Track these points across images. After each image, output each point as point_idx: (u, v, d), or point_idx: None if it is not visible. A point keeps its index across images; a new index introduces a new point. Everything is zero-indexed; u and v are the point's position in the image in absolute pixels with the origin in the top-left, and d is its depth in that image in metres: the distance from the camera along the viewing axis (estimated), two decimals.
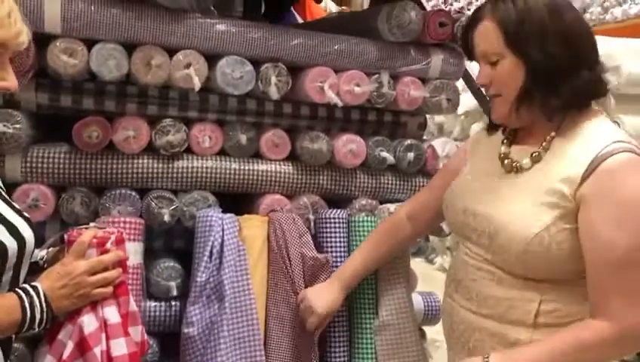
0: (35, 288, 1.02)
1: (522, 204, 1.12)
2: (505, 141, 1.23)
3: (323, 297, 1.44)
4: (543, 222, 1.08)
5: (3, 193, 1.11)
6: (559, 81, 1.10)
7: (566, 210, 1.08)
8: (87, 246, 1.08)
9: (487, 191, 1.20)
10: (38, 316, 1.01)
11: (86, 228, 1.14)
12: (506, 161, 1.20)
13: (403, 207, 1.50)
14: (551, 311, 1.12)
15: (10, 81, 0.99)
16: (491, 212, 1.16)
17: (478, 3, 5.28)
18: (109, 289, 1.10)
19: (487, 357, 1.10)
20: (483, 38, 1.15)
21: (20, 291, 1.00)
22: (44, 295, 1.02)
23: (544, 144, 1.15)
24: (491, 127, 1.29)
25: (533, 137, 1.18)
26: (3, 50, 0.97)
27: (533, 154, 1.15)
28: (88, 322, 1.07)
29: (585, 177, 1.06)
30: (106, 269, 1.10)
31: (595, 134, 1.11)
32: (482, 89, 1.25)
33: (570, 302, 1.12)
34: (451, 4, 5.33)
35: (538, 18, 1.09)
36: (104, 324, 1.09)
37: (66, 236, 1.13)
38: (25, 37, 0.99)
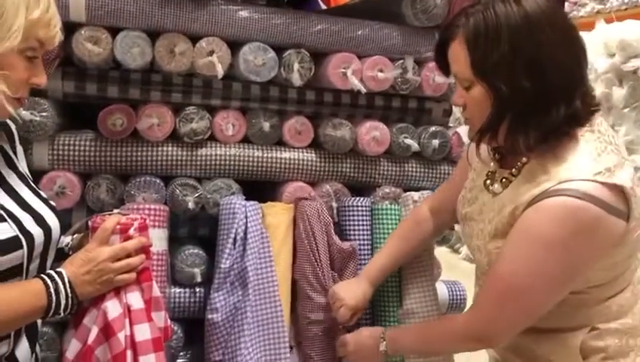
0: (59, 274, 1.03)
1: (487, 230, 1.13)
2: (495, 156, 1.18)
3: (351, 290, 1.43)
4: (499, 249, 1.08)
5: (30, 181, 1.12)
6: (528, 119, 1.01)
7: None
8: (110, 233, 1.09)
9: (473, 212, 1.20)
10: (63, 301, 1.02)
11: (109, 215, 1.15)
12: (487, 181, 1.17)
13: (426, 201, 1.48)
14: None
15: (41, 78, 1.02)
16: (471, 231, 1.19)
17: None
18: (133, 275, 1.11)
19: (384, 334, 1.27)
20: (454, 60, 1.07)
21: (45, 277, 1.02)
22: (69, 281, 1.03)
23: (514, 170, 1.10)
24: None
25: (510, 161, 1.13)
26: (39, 49, 1.00)
27: (503, 180, 1.12)
28: (112, 307, 1.08)
29: (524, 209, 1.03)
30: (129, 255, 1.10)
31: (563, 167, 1.01)
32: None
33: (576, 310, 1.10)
34: None
35: (508, 42, 0.98)
36: (128, 310, 1.10)
37: (89, 223, 1.14)
38: (58, 39, 1.03)
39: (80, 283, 1.04)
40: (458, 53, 1.05)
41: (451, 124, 1.90)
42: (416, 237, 1.46)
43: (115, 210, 1.23)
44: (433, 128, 1.71)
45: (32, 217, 1.04)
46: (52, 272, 1.03)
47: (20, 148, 1.15)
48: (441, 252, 1.84)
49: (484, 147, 1.15)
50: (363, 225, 1.61)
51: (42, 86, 1.03)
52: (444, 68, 1.12)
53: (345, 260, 1.54)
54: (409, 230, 1.47)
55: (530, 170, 1.07)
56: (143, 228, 1.14)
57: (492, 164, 1.17)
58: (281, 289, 1.50)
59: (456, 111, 1.92)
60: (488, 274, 1.10)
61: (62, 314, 1.03)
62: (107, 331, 1.07)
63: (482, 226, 1.15)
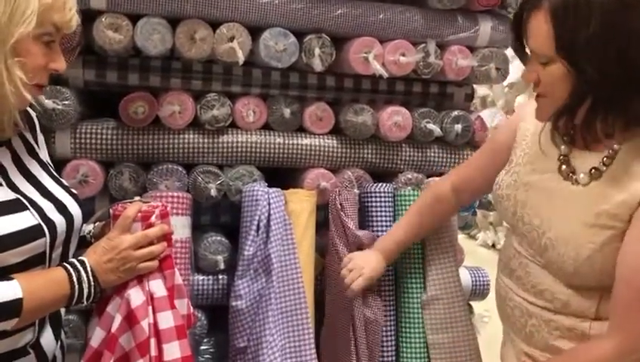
0: (82, 262, 1.04)
1: (574, 222, 1.05)
2: (565, 138, 1.10)
3: (371, 261, 1.43)
4: (596, 244, 1.02)
5: (51, 170, 1.12)
6: (611, 105, 0.97)
7: (620, 231, 1.01)
8: (132, 221, 1.09)
9: (538, 197, 1.12)
10: (86, 290, 1.02)
11: (131, 203, 1.15)
12: (564, 167, 1.09)
13: (447, 179, 1.44)
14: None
15: (60, 63, 1.01)
16: (541, 226, 1.10)
17: None
18: (155, 263, 1.10)
19: None
20: (534, 33, 1.01)
21: (67, 266, 1.02)
22: (92, 269, 1.03)
23: (605, 160, 1.04)
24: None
25: (595, 141, 1.06)
26: (55, 33, 0.99)
27: (592, 171, 1.05)
28: (135, 295, 1.08)
29: None
30: (151, 243, 1.10)
31: None
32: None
33: None
34: None
35: (601, 23, 0.93)
36: (151, 298, 1.10)
37: (111, 211, 1.14)
38: (75, 22, 1.01)
39: (103, 271, 1.04)
40: (540, 27, 0.99)
41: (472, 109, 1.88)
42: (435, 215, 1.45)
43: (137, 198, 1.22)
44: (455, 113, 1.69)
45: (54, 205, 1.04)
46: (75, 261, 1.04)
47: (41, 137, 1.15)
48: (458, 239, 1.82)
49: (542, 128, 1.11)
50: (385, 211, 1.60)
51: (61, 71, 1.02)
52: (518, 40, 1.06)
53: (363, 247, 1.53)
54: (428, 206, 1.45)
55: (624, 159, 1.02)
56: (164, 216, 1.14)
57: (563, 147, 1.11)
58: (304, 276, 1.50)
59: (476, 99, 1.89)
60: (618, 287, 1.02)
61: (85, 302, 1.04)
62: (130, 319, 1.07)
63: (561, 215, 1.07)
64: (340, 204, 1.54)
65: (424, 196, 1.49)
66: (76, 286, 1.01)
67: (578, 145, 1.10)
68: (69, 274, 1.01)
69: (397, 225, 1.50)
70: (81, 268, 1.02)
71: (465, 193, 1.41)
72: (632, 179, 1.00)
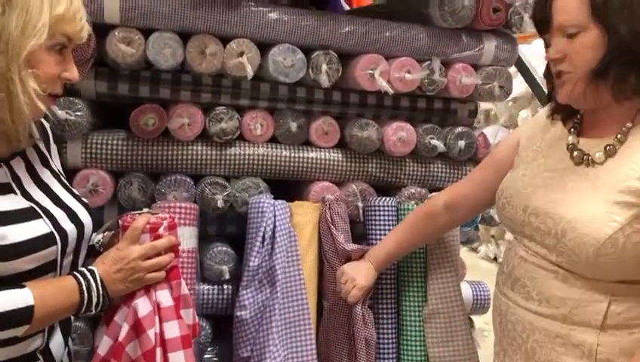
0: (92, 272, 1.06)
1: (593, 202, 1.04)
2: (572, 130, 1.14)
3: (361, 271, 1.47)
4: (618, 223, 1.01)
5: (63, 179, 1.15)
6: None
7: None
8: (140, 232, 1.12)
9: (552, 187, 1.11)
10: (95, 299, 1.05)
11: (140, 214, 1.17)
12: (575, 153, 1.11)
13: (441, 195, 1.46)
14: (620, 311, 1.05)
15: (72, 72, 1.03)
16: (558, 211, 1.08)
17: None
18: (162, 273, 1.13)
19: None
20: (563, 7, 1.06)
21: (77, 275, 1.05)
22: (101, 279, 1.06)
23: (619, 136, 1.07)
24: (555, 111, 1.20)
25: (604, 128, 1.10)
26: (67, 44, 1.01)
27: (607, 148, 1.07)
28: (142, 305, 1.11)
29: None
30: (159, 254, 1.13)
31: None
32: (551, 65, 1.12)
33: (638, 303, 1.05)
34: None
35: None
36: (157, 307, 1.12)
37: (120, 221, 1.16)
38: (86, 32, 1.04)
39: (111, 281, 1.07)
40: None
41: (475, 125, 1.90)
42: (427, 231, 1.47)
43: (145, 209, 1.25)
44: (459, 129, 1.72)
45: (66, 214, 1.07)
46: (85, 270, 1.06)
47: (54, 147, 1.18)
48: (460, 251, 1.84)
49: (539, 125, 1.17)
50: (388, 224, 1.62)
51: (74, 81, 1.04)
52: (543, 24, 1.11)
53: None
54: (420, 221, 1.47)
55: (638, 135, 1.05)
56: (172, 227, 1.16)
57: (570, 137, 1.14)
58: (308, 287, 1.53)
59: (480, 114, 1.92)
60: None
61: (94, 311, 1.06)
62: (137, 328, 1.10)
63: (581, 197, 1.07)
64: (330, 217, 1.56)
65: (416, 211, 1.52)
66: (85, 295, 1.04)
67: (585, 134, 1.13)
68: (79, 283, 1.03)
69: (388, 237, 1.53)
70: (90, 278, 1.05)
71: (459, 210, 1.42)
72: None
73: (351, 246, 1.53)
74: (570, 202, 1.07)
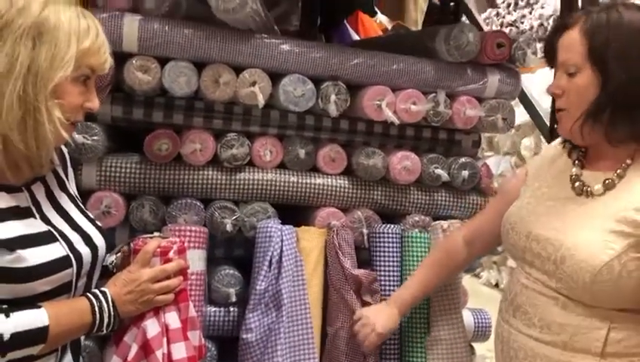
0: (104, 293, 1.10)
1: (591, 230, 1.08)
2: (576, 163, 1.20)
3: (382, 317, 1.46)
4: (614, 251, 1.05)
5: (79, 203, 1.19)
6: (634, 108, 1.07)
7: (639, 239, 1.05)
8: (151, 256, 1.16)
9: (554, 215, 1.16)
10: (106, 319, 1.08)
11: (150, 238, 1.21)
12: (577, 183, 1.16)
13: (460, 231, 1.50)
14: (620, 339, 1.08)
15: (94, 103, 1.08)
16: (558, 238, 1.12)
17: (532, 16, 5.19)
18: (171, 296, 1.17)
19: None
20: (565, 47, 1.13)
21: (90, 296, 1.08)
22: (112, 300, 1.10)
23: (619, 171, 1.12)
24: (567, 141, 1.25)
25: (606, 162, 1.15)
26: (91, 75, 1.06)
27: (606, 181, 1.12)
28: (151, 327, 1.14)
29: None
30: (168, 277, 1.17)
31: None
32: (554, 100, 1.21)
33: (638, 331, 1.08)
34: (503, 17, 5.29)
35: (629, 38, 1.06)
36: (166, 329, 1.16)
37: (132, 244, 1.20)
38: (109, 64, 1.10)
39: (122, 302, 1.11)
40: (574, 39, 1.11)
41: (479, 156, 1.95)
42: (448, 268, 1.49)
43: (156, 233, 1.29)
44: (463, 159, 1.76)
45: (81, 237, 1.11)
46: (97, 291, 1.10)
47: (71, 171, 1.22)
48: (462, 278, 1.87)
49: (547, 157, 1.23)
50: (393, 251, 1.66)
51: (95, 110, 1.09)
52: (550, 58, 1.18)
53: (364, 287, 1.58)
54: (440, 260, 1.50)
55: (636, 171, 1.10)
56: (181, 251, 1.20)
57: (574, 169, 1.19)
58: (313, 311, 1.56)
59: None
60: None
61: (105, 331, 1.10)
62: (146, 349, 1.13)
63: (579, 225, 1.11)
64: (338, 243, 1.60)
65: (437, 249, 1.55)
66: (97, 316, 1.07)
67: (589, 166, 1.18)
68: (92, 304, 1.07)
69: (412, 279, 1.53)
70: (102, 299, 1.09)
71: (476, 245, 1.45)
72: None
73: (358, 271, 1.56)
74: (569, 229, 1.12)
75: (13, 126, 0.97)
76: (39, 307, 1.01)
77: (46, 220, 1.07)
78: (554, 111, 1.92)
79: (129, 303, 1.12)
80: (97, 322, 1.07)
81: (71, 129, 1.07)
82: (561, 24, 1.15)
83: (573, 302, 1.11)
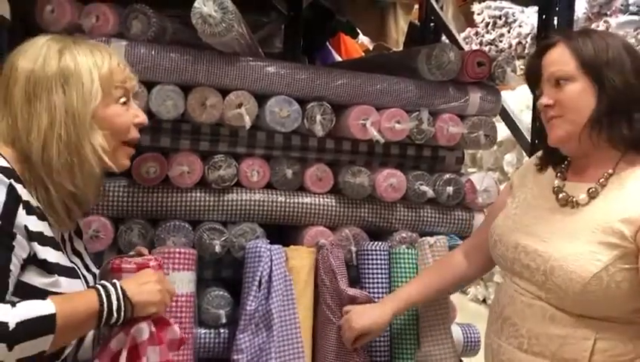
0: (112, 283, 1.07)
1: (579, 242, 1.12)
2: (559, 175, 1.24)
3: (364, 315, 1.47)
4: (602, 262, 1.08)
5: (85, 246, 1.25)
6: (635, 111, 1.12)
7: (626, 250, 1.08)
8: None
9: (541, 225, 1.19)
10: (115, 303, 1.04)
11: (128, 258, 1.20)
12: (560, 195, 1.20)
13: (460, 247, 1.53)
14: (606, 349, 1.11)
15: (142, 116, 1.17)
16: (546, 249, 1.15)
17: (510, 35, 5.30)
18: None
19: None
20: (554, 60, 1.18)
21: (97, 285, 1.06)
22: (121, 288, 1.06)
23: (601, 181, 1.16)
24: (544, 162, 1.30)
25: (589, 172, 1.19)
26: (126, 91, 1.14)
27: (590, 190, 1.16)
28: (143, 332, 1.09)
29: None
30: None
31: None
32: (542, 112, 1.22)
33: (625, 340, 1.11)
34: (482, 36, 5.40)
35: (616, 50, 1.14)
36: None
37: (110, 264, 1.18)
38: (135, 80, 1.18)
39: (138, 291, 1.07)
40: (561, 53, 1.17)
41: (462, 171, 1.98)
42: (446, 278, 1.49)
43: (131, 252, 1.29)
44: (447, 175, 1.79)
45: (93, 277, 1.17)
46: (105, 282, 1.08)
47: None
48: None
49: (531, 168, 1.27)
50: (381, 268, 1.67)
51: (145, 123, 1.18)
52: (534, 79, 1.24)
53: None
54: (440, 269, 1.52)
55: (618, 181, 1.14)
56: (159, 268, 1.18)
57: (556, 181, 1.23)
58: (303, 330, 1.56)
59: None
60: None
61: (115, 316, 1.04)
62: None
63: (567, 237, 1.14)
64: (334, 263, 1.60)
65: (441, 260, 1.57)
66: (105, 300, 1.03)
67: (571, 178, 1.22)
68: (98, 290, 1.04)
69: (410, 283, 1.56)
70: (110, 287, 1.06)
71: (473, 261, 1.45)
72: (630, 199, 1.11)
73: (353, 291, 1.57)
74: (557, 241, 1.15)
75: (63, 172, 1.04)
76: (44, 299, 0.98)
77: (69, 258, 1.11)
78: (534, 127, 1.96)
79: (147, 293, 1.08)
80: (105, 308, 1.03)
81: (127, 151, 1.16)
82: (544, 45, 1.22)
83: (561, 313, 1.14)
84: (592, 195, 1.15)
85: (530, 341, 1.17)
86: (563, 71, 1.16)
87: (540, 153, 1.33)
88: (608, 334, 1.11)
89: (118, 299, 1.05)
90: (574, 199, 1.17)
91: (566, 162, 1.26)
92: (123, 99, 1.13)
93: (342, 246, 1.69)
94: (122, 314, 1.05)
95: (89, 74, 1.07)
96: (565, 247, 1.13)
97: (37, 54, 1.06)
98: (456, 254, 1.51)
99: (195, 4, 1.45)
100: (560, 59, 1.17)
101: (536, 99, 1.25)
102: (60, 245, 1.09)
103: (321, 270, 1.62)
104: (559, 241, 1.15)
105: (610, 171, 1.16)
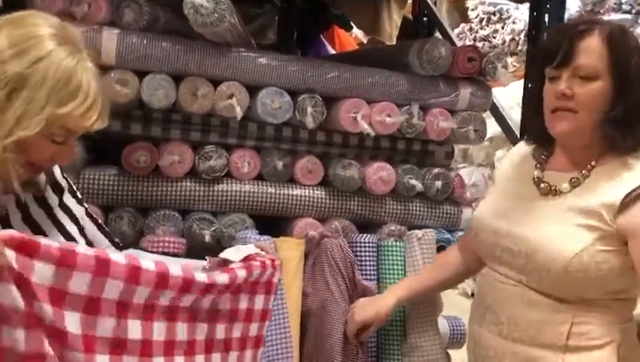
0: None
1: (561, 224, 1.14)
2: (538, 166, 1.25)
3: (367, 306, 1.49)
4: (583, 243, 1.11)
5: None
6: (636, 119, 1.14)
7: (605, 233, 1.11)
8: None
9: (522, 212, 1.21)
10: None
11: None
12: (542, 185, 1.21)
13: (458, 242, 1.54)
14: (583, 333, 1.14)
15: (63, 161, 1.01)
16: (528, 232, 1.17)
17: (504, 31, 5.32)
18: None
19: None
20: (587, 51, 1.13)
21: None
22: None
23: (584, 172, 1.18)
24: (533, 137, 1.29)
25: (571, 164, 1.20)
26: (68, 136, 0.96)
27: (572, 180, 1.18)
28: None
29: (625, 205, 1.09)
30: None
31: (636, 167, 1.13)
32: (553, 96, 1.17)
33: (602, 324, 1.14)
34: (477, 32, 5.42)
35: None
36: None
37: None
38: (99, 124, 0.97)
39: None
40: (594, 46, 1.13)
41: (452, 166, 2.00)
42: (448, 270, 1.48)
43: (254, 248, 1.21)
44: (436, 170, 1.81)
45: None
46: None
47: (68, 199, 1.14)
48: None
49: (511, 160, 1.28)
50: (369, 260, 1.68)
51: (66, 165, 1.03)
52: (556, 55, 1.16)
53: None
54: (441, 264, 1.52)
55: (602, 171, 1.16)
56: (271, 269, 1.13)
57: (535, 172, 1.24)
58: (292, 321, 1.57)
59: (455, 150, 2.02)
60: None
61: None
62: None
63: (549, 220, 1.16)
64: (343, 252, 1.61)
65: (444, 253, 1.58)
66: None
67: (551, 168, 1.23)
68: None
69: (414, 276, 1.59)
70: None
71: (467, 257, 1.43)
72: (611, 186, 1.13)
73: (367, 283, 1.59)
74: (539, 225, 1.17)
75: None
76: None
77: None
78: (524, 124, 1.98)
79: None
80: None
81: (35, 171, 0.98)
82: (583, 29, 1.15)
83: (540, 296, 1.17)
84: (574, 184, 1.18)
85: (509, 326, 1.20)
86: (593, 67, 1.12)
87: (521, 144, 1.35)
88: (585, 318, 1.14)
89: None
90: (556, 188, 1.19)
91: (546, 153, 1.27)
92: (60, 139, 0.95)
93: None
94: None
95: (45, 100, 0.89)
96: (547, 229, 1.15)
97: (20, 40, 0.89)
98: (452, 248, 1.52)
99: None
100: (594, 51, 1.13)
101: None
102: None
103: (337, 260, 1.60)
104: (541, 224, 1.17)
105: (594, 163, 1.18)
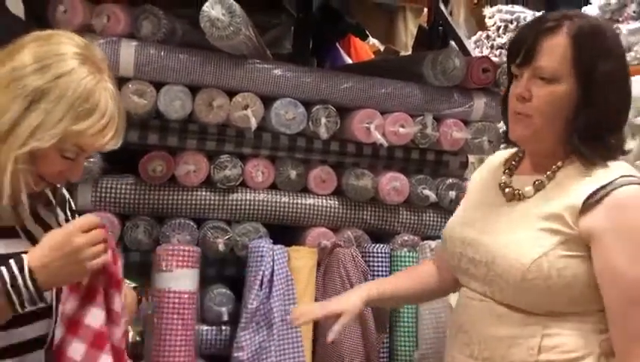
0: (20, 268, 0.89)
1: (521, 231, 1.07)
2: (506, 171, 1.19)
3: (332, 301, 1.33)
4: (542, 248, 1.04)
5: None
6: (612, 134, 1.07)
7: (567, 236, 1.03)
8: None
9: (487, 220, 1.15)
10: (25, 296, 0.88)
11: None
12: (507, 190, 1.14)
13: (434, 256, 1.50)
14: (556, 345, 1.05)
15: (75, 176, 1.00)
16: (489, 240, 1.11)
17: None
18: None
19: None
20: (550, 52, 1.04)
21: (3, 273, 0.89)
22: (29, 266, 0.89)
23: (549, 173, 1.10)
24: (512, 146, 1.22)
25: (537, 168, 1.13)
26: (80, 152, 0.96)
27: (536, 182, 1.11)
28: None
29: (588, 206, 1.02)
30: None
31: (603, 168, 1.05)
32: (513, 99, 1.09)
33: (576, 335, 1.05)
34: (494, 40, 5.39)
35: (617, 64, 1.04)
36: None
37: None
38: (113, 143, 0.98)
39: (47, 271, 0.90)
40: (558, 46, 1.03)
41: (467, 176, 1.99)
42: (412, 280, 1.37)
43: None
44: (450, 180, 1.81)
45: None
46: (13, 265, 0.90)
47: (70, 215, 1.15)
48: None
49: (486, 167, 1.24)
50: (382, 270, 1.70)
51: (75, 181, 1.03)
52: (518, 54, 1.07)
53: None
54: (409, 271, 1.48)
55: (566, 173, 1.09)
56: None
57: (503, 177, 1.18)
58: (303, 330, 1.58)
59: (471, 157, 2.02)
60: (615, 303, 1.01)
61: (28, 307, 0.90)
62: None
63: (511, 227, 1.10)
64: (359, 261, 1.63)
65: (421, 265, 1.56)
66: (14, 297, 0.87)
67: (519, 173, 1.17)
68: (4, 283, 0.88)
69: (388, 278, 1.51)
70: (18, 275, 0.89)
71: (443, 270, 1.33)
72: (574, 188, 1.06)
73: None
74: (501, 231, 1.11)
75: None
76: None
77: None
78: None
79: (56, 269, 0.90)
80: (16, 303, 0.88)
81: (44, 185, 0.99)
82: (549, 26, 1.05)
83: (507, 310, 1.09)
84: (538, 188, 1.10)
85: (480, 346, 1.11)
86: (554, 69, 1.03)
87: (498, 152, 1.29)
88: (556, 329, 1.06)
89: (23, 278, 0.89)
90: (520, 192, 1.13)
91: (517, 158, 1.20)
92: (71, 155, 0.95)
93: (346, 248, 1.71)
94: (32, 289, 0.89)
95: (62, 114, 0.91)
96: (507, 237, 1.09)
97: (44, 57, 0.92)
98: (428, 261, 1.41)
99: (204, 8, 1.48)
100: (557, 53, 1.03)
101: (510, 76, 1.13)
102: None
103: (348, 270, 1.62)
104: (502, 231, 1.10)
105: (560, 164, 1.10)
